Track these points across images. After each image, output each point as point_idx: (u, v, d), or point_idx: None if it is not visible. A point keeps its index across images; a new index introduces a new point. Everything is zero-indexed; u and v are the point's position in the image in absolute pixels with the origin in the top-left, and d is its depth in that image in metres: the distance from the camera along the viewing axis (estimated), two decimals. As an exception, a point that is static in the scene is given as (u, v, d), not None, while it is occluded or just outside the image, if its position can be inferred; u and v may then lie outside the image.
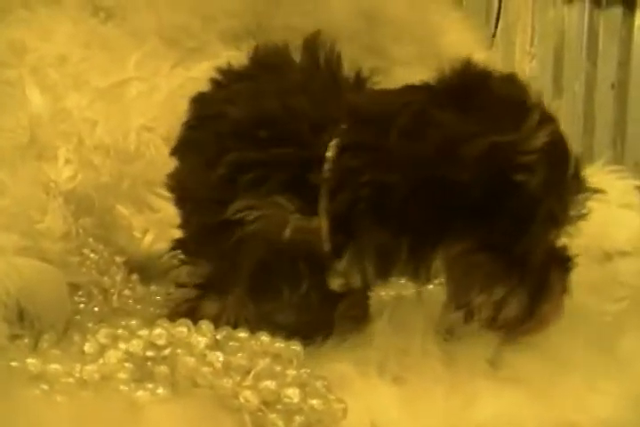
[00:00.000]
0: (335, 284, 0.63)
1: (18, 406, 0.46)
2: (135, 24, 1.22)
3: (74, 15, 1.18)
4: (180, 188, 0.70)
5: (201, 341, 0.54)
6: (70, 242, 0.86)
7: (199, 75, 1.00)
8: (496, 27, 1.75)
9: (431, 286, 1.01)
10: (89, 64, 1.13)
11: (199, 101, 0.71)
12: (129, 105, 1.04)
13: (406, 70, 1.31)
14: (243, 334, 0.57)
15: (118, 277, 0.85)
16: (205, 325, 0.57)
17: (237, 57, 0.74)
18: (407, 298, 0.84)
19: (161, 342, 0.54)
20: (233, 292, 0.64)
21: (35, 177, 0.90)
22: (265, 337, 0.56)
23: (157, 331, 0.55)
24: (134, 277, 0.88)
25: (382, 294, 0.96)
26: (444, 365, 0.57)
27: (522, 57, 1.83)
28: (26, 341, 0.65)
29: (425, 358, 0.56)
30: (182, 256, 0.69)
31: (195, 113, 0.70)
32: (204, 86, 0.73)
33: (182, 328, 0.55)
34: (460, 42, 1.39)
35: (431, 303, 0.86)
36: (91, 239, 0.93)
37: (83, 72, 1.11)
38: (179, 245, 0.70)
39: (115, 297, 0.81)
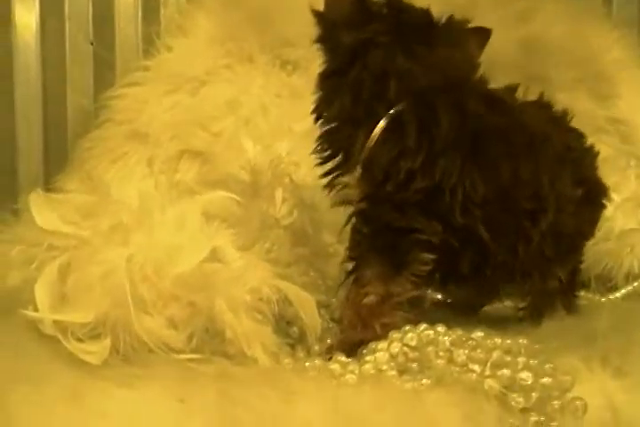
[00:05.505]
0: None
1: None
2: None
3: (266, 70, 1.35)
4: None
5: (446, 340, 0.67)
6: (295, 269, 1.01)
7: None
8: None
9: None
10: (283, 112, 1.29)
11: None
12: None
13: (569, 94, 1.38)
14: (478, 335, 0.68)
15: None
16: (443, 328, 0.70)
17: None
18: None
19: (413, 343, 0.67)
20: None
21: (260, 214, 1.06)
22: (497, 338, 0.67)
23: (409, 335, 0.68)
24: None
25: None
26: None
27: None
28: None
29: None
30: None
31: None
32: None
33: (429, 331, 0.68)
34: (623, 60, 1.44)
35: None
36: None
37: (281, 119, 1.27)
38: None
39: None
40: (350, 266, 0.81)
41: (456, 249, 0.79)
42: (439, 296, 0.95)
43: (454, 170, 0.77)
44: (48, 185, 1.31)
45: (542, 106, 0.91)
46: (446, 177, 0.77)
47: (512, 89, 0.88)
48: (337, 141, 0.83)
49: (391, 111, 0.78)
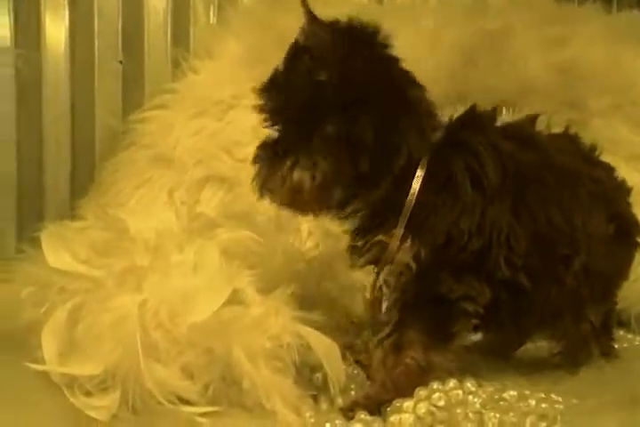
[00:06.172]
0: None
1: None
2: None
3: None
4: None
5: (476, 401, 0.62)
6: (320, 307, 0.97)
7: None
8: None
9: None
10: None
11: None
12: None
13: (603, 120, 1.34)
14: (511, 394, 0.64)
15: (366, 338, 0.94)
16: (474, 385, 0.65)
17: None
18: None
19: (441, 403, 0.63)
20: None
21: (284, 248, 1.02)
22: (532, 400, 0.63)
23: (437, 395, 0.63)
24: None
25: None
26: None
27: None
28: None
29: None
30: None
31: None
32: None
33: (457, 391, 0.63)
34: (660, 87, 1.39)
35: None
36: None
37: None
38: None
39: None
40: (388, 329, 0.75)
41: (498, 301, 0.75)
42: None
43: (503, 222, 0.73)
44: (74, 205, 1.29)
45: (569, 138, 0.86)
46: (495, 231, 0.73)
47: (532, 119, 0.83)
48: (359, 201, 0.77)
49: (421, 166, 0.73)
